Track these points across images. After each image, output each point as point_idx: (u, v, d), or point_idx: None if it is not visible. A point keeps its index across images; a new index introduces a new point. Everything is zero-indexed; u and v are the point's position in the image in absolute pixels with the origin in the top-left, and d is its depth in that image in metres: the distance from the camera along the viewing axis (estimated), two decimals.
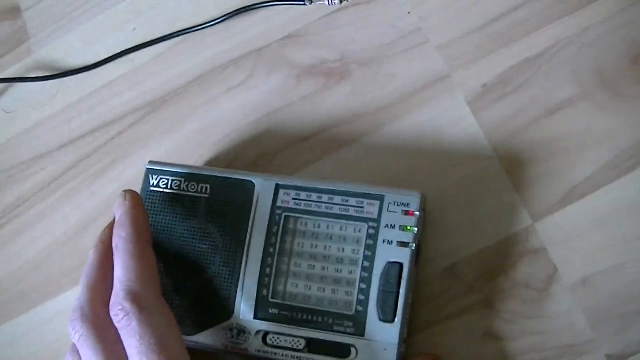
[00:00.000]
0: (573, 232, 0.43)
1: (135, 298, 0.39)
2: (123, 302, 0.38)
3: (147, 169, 0.46)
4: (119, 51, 0.54)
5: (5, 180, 0.54)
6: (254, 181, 0.44)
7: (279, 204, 0.43)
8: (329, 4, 0.48)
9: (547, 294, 0.43)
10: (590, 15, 0.46)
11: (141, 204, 0.43)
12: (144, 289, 0.39)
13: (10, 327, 0.51)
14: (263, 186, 0.44)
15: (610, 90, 0.44)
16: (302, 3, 0.49)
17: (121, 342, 0.39)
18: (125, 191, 0.43)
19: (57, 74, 0.54)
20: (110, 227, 0.43)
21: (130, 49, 0.53)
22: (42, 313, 0.51)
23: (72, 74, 0.54)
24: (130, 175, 0.51)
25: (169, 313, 0.40)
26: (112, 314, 0.39)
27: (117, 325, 0.39)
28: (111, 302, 0.39)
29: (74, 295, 0.49)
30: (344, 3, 0.49)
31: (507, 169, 0.45)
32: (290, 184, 0.44)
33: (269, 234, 0.43)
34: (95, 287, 0.41)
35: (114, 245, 0.41)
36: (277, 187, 0.44)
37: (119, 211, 0.42)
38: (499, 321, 0.43)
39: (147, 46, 0.53)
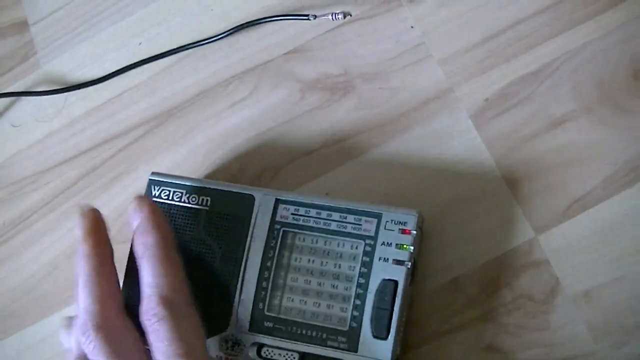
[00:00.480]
0: (575, 245, 0.43)
1: (168, 304, 0.40)
2: (156, 308, 0.39)
3: (150, 179, 0.46)
4: (125, 65, 0.54)
5: (12, 193, 0.55)
6: (254, 195, 0.44)
7: (277, 218, 0.44)
8: (333, 18, 0.49)
9: (549, 306, 0.43)
10: (590, 30, 0.46)
11: (158, 209, 0.43)
12: (175, 295, 0.40)
13: (17, 339, 0.52)
14: (263, 200, 0.44)
15: (610, 105, 0.44)
16: (307, 18, 0.49)
17: (136, 351, 0.39)
18: (138, 198, 0.43)
19: (64, 88, 0.55)
20: (86, 240, 0.42)
21: (136, 63, 0.54)
22: (48, 325, 0.51)
23: (78, 88, 0.55)
24: (136, 188, 0.51)
25: (198, 320, 0.41)
26: (144, 318, 0.40)
27: (148, 329, 0.39)
28: (144, 308, 0.40)
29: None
30: (348, 18, 0.49)
31: (509, 182, 0.45)
32: (290, 199, 0.44)
33: (267, 248, 0.43)
34: (102, 297, 0.41)
35: (139, 252, 0.42)
36: (277, 202, 0.44)
37: (136, 218, 0.42)
38: (502, 334, 0.43)
39: (152, 60, 0.53)
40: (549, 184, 0.44)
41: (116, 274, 0.42)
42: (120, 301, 0.41)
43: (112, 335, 0.40)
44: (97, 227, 0.42)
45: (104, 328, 0.40)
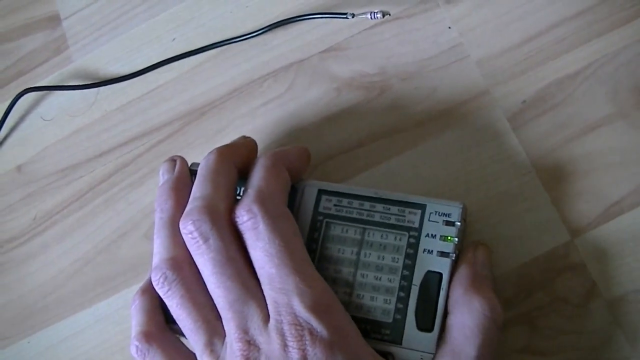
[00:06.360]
0: (611, 249, 0.43)
1: (263, 202, 0.39)
2: (251, 205, 0.39)
3: (191, 170, 0.45)
4: (158, 61, 0.54)
5: (42, 188, 0.54)
6: (296, 186, 0.44)
7: (320, 209, 0.43)
8: (371, 17, 0.48)
9: (585, 310, 0.42)
10: (628, 33, 0.46)
11: None
12: (272, 196, 0.40)
13: (46, 334, 0.52)
14: (305, 191, 0.44)
15: None
16: (345, 16, 0.49)
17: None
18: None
19: (96, 83, 0.54)
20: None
21: (169, 59, 0.54)
22: (77, 323, 0.51)
23: (110, 83, 0.54)
24: None
25: (294, 222, 0.41)
26: (236, 215, 0.40)
27: (240, 227, 0.40)
28: (238, 206, 0.40)
29: (112, 304, 0.49)
30: (386, 17, 0.49)
31: (546, 185, 0.45)
32: (333, 189, 0.44)
33: (310, 239, 0.43)
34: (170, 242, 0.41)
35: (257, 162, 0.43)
36: (319, 193, 0.44)
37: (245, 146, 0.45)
38: (538, 337, 0.43)
39: (186, 57, 0.53)
40: (585, 187, 0.44)
41: None
42: None
43: (188, 282, 0.40)
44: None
45: (178, 273, 0.40)
